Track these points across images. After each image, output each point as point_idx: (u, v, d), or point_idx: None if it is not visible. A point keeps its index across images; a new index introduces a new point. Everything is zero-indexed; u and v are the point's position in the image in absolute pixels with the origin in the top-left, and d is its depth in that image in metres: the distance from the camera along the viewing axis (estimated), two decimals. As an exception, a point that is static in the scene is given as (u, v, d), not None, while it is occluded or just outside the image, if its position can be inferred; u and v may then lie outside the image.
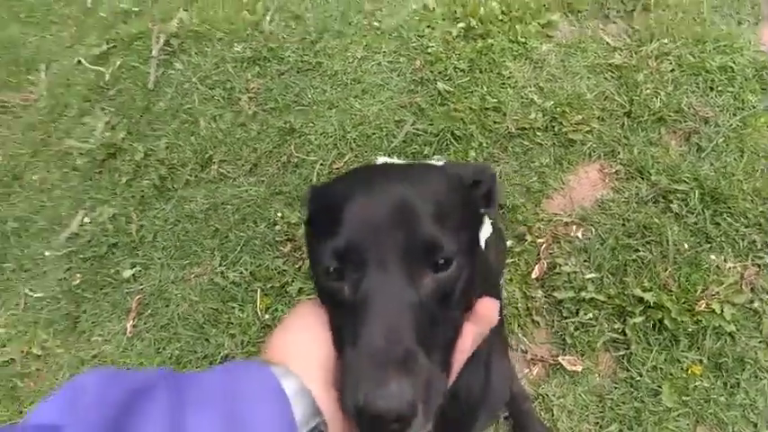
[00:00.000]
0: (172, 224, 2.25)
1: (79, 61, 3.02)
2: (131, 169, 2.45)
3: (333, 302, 0.60)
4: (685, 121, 1.86)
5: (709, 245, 1.63)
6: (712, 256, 1.61)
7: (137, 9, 3.15)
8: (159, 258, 2.19)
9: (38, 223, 2.49)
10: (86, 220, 2.41)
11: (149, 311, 2.07)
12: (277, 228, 2.08)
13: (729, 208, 1.66)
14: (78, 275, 2.24)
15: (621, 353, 1.54)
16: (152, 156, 2.47)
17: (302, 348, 0.56)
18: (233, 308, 1.97)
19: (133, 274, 2.18)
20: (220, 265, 2.08)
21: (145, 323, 2.05)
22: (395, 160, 1.15)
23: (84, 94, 2.85)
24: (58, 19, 3.34)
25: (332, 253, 0.59)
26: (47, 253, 2.32)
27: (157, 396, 0.46)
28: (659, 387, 1.46)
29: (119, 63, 2.89)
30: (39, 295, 2.26)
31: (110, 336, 2.07)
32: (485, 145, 2.00)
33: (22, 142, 2.85)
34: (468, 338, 0.62)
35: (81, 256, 2.28)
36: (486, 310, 0.65)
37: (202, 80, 2.62)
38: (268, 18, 2.73)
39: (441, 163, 0.87)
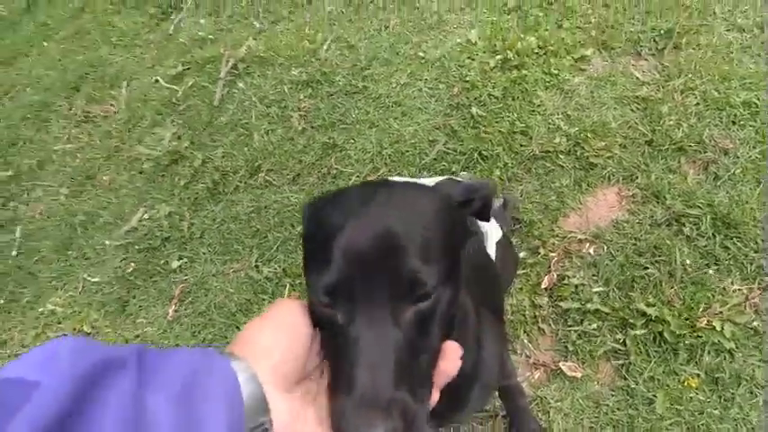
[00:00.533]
0: (219, 223, 2.46)
1: (156, 80, 3.37)
2: (190, 174, 2.70)
3: (326, 324, 0.64)
4: (705, 152, 1.92)
5: (716, 267, 1.67)
6: (718, 278, 1.64)
7: (212, 36, 3.49)
8: (204, 253, 2.39)
9: (103, 218, 2.76)
10: (146, 216, 2.66)
11: (190, 299, 2.26)
12: (311, 230, 2.24)
13: (740, 234, 1.70)
14: (132, 264, 2.47)
15: (621, 362, 1.59)
16: (209, 163, 2.71)
17: (266, 347, 0.59)
18: (263, 299, 2.13)
19: (180, 266, 2.38)
20: (257, 262, 2.26)
21: (185, 309, 2.24)
22: (396, 179, 1.25)
23: (157, 108, 3.17)
24: (143, 43, 3.73)
25: (323, 289, 0.62)
26: (107, 242, 2.57)
27: (125, 372, 0.47)
28: (654, 396, 1.50)
29: (191, 83, 3.20)
30: (95, 280, 2.50)
31: (153, 319, 2.26)
32: (509, 165, 2.11)
33: (99, 148, 3.18)
34: (453, 360, 0.66)
35: (137, 247, 2.52)
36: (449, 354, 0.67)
37: (261, 99, 2.87)
38: (325, 47, 2.98)
39: (432, 183, 0.95)
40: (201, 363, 0.53)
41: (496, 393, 1.50)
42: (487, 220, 0.82)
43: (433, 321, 0.64)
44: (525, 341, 1.73)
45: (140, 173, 2.88)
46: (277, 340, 0.60)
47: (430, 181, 1.44)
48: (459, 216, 0.75)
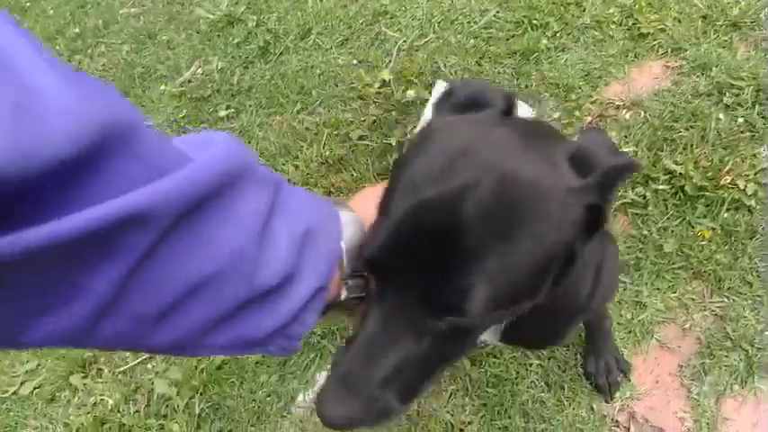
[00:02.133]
0: (267, 80, 2.55)
1: (219, -53, 3.40)
2: (243, 35, 2.78)
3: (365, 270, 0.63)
4: (760, 29, 1.86)
5: (751, 133, 1.65)
6: (751, 145, 1.63)
7: None
8: (250, 105, 2.49)
9: (160, 71, 2.89)
10: (199, 71, 2.78)
11: (234, 143, 2.37)
12: (353, 86, 2.30)
13: (782, 105, 1.66)
14: (184, 111, 2.60)
15: (638, 212, 1.61)
16: (262, 26, 2.78)
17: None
18: (302, 146, 2.22)
19: (227, 115, 2.50)
20: (299, 114, 2.34)
21: (228, 151, 2.36)
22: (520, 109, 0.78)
23: (217, -24, 3.22)
24: None
25: (367, 257, 0.58)
26: (162, 87, 2.70)
27: (264, 191, 0.50)
28: (666, 242, 1.53)
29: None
30: (148, 124, 2.64)
31: (198, 159, 2.40)
32: (558, 35, 2.09)
33: (161, 13, 3.28)
34: None
35: (189, 96, 2.64)
36: None
37: (318, -32, 2.89)
38: None
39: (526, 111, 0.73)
40: (326, 209, 0.59)
41: None
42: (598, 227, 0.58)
43: (460, 341, 0.59)
44: (547, 193, 1.76)
45: (197, 33, 2.97)
46: (361, 213, 0.65)
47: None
48: (576, 217, 0.54)
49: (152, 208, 0.38)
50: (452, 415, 1.51)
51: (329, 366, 0.64)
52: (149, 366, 1.79)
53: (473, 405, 1.50)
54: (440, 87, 1.94)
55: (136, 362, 1.81)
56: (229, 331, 0.49)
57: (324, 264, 0.55)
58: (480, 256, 0.50)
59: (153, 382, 1.76)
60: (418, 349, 0.57)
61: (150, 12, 3.33)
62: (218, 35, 2.89)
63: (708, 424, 1.33)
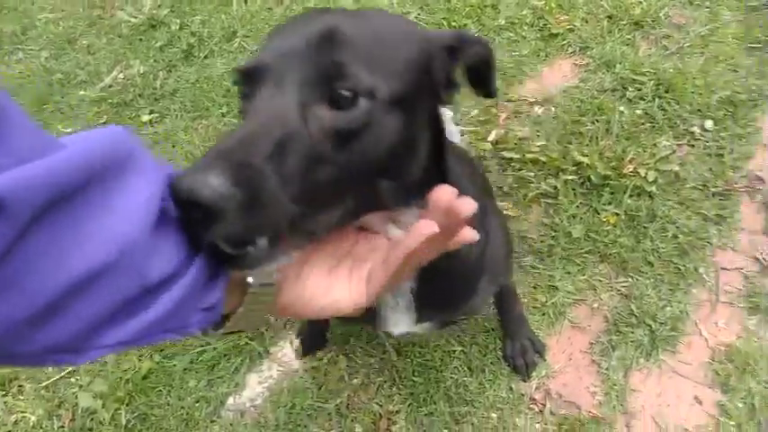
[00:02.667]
0: (191, 84, 2.52)
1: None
2: (167, 38, 2.74)
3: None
4: (660, 28, 1.99)
5: (651, 125, 1.77)
6: (652, 135, 1.74)
7: None
8: (175, 110, 2.46)
9: (80, 77, 2.80)
10: (120, 75, 2.72)
11: (158, 148, 2.34)
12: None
13: (678, 98, 1.79)
14: (105, 116, 2.54)
15: (549, 202, 1.70)
16: (186, 29, 2.75)
17: None
18: (228, 148, 2.22)
19: (150, 120, 2.46)
20: (224, 116, 2.33)
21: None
22: None
23: (140, -22, 3.16)
24: None
25: (236, 72, 0.56)
26: (81, 93, 2.63)
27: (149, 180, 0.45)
28: (574, 228, 1.62)
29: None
30: (69, 131, 2.57)
31: (122, 165, 2.35)
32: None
33: (82, 17, 3.19)
34: (416, 237, 0.52)
35: (110, 101, 2.58)
36: (440, 195, 0.51)
37: (242, -29, 2.88)
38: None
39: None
40: None
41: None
42: (490, 90, 0.70)
43: (354, 146, 0.52)
44: (467, 187, 1.83)
45: (119, 37, 2.91)
46: None
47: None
48: (442, 59, 0.62)
49: (4, 198, 0.34)
50: (381, 406, 1.54)
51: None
52: (73, 380, 1.74)
53: (400, 394, 1.54)
54: None
55: (58, 376, 1.75)
56: (133, 323, 0.45)
57: None
58: (356, 48, 0.53)
59: (77, 396, 1.71)
60: (302, 133, 0.50)
61: (70, 17, 3.23)
62: (141, 39, 2.84)
63: (617, 396, 1.42)
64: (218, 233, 0.44)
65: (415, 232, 0.52)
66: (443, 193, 0.51)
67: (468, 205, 0.50)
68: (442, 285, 0.79)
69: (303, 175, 0.49)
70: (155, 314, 0.46)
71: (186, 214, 0.45)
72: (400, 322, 0.87)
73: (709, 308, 1.48)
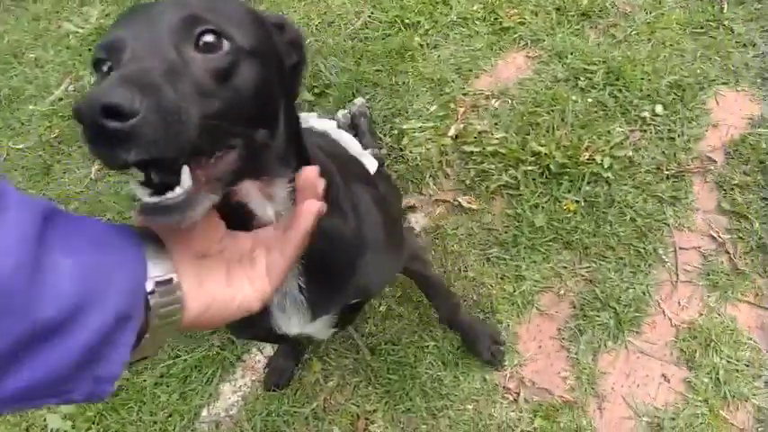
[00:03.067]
0: (145, 93, 2.47)
1: (83, -41, 3.25)
2: (117, 48, 2.68)
3: None
4: (607, 17, 2.04)
5: (604, 112, 1.81)
6: (605, 123, 1.79)
7: None
8: (130, 120, 2.40)
9: (28, 91, 2.72)
10: (71, 88, 2.65)
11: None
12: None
13: (628, 85, 1.84)
14: (57, 130, 2.47)
15: (511, 193, 1.73)
16: (137, 38, 2.69)
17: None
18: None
19: (105, 132, 2.40)
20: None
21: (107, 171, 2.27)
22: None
23: (84, -13, 3.08)
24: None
25: (99, 48, 0.57)
26: (31, 107, 2.55)
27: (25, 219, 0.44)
28: (536, 218, 1.65)
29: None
30: (20, 147, 2.49)
31: (76, 180, 2.29)
32: (430, 33, 2.19)
33: (27, 30, 3.09)
34: (307, 217, 0.60)
35: (61, 114, 2.51)
36: (308, 173, 0.62)
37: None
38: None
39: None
40: (112, 238, 0.51)
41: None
42: (304, 64, 0.74)
43: (230, 78, 0.57)
44: (431, 184, 1.84)
45: (67, 48, 2.83)
46: None
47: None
48: (272, 34, 0.69)
49: None
50: (358, 406, 1.55)
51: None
52: (39, 401, 1.69)
53: (376, 393, 1.55)
54: (357, 101, 1.96)
55: (23, 399, 1.70)
56: (15, 378, 0.43)
57: (119, 293, 0.48)
58: (206, 9, 0.58)
59: (45, 419, 1.67)
60: (185, 67, 0.53)
61: (14, 29, 3.13)
62: (89, 49, 2.76)
63: (588, 380, 1.45)
64: (138, 147, 0.45)
65: (305, 213, 0.59)
66: (311, 171, 0.61)
67: (320, 181, 0.61)
68: (325, 269, 0.84)
69: (196, 100, 0.51)
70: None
71: (96, 136, 0.45)
72: (292, 321, 0.89)
73: (670, 287, 1.53)
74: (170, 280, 0.52)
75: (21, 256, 0.42)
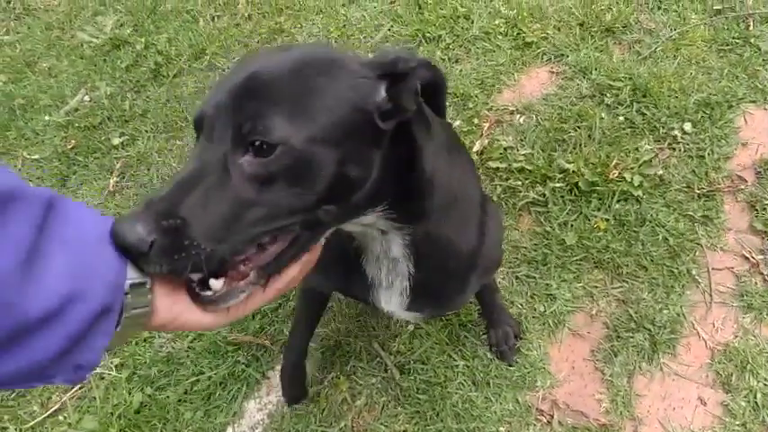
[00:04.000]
0: (162, 103, 2.46)
1: (98, -31, 3.24)
2: (132, 58, 2.66)
3: None
4: (631, 33, 2.04)
5: (632, 129, 1.80)
6: (633, 140, 1.78)
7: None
8: (147, 131, 2.39)
9: (43, 101, 2.70)
10: (86, 98, 2.63)
11: (132, 172, 2.27)
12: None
13: (655, 102, 1.83)
14: (73, 141, 2.45)
15: (539, 210, 1.71)
16: (152, 48, 2.68)
17: None
18: (206, 170, 2.17)
19: (122, 143, 2.38)
20: (200, 137, 2.28)
21: (126, 181, 2.25)
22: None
23: (99, -2, 3.07)
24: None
25: (194, 117, 0.66)
26: (46, 117, 2.53)
27: (30, 209, 0.48)
28: (566, 236, 1.63)
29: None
30: (35, 157, 2.47)
31: (94, 192, 2.27)
32: (451, 47, 2.18)
33: (40, 39, 3.08)
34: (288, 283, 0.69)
35: (77, 125, 2.49)
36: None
37: (207, -14, 2.83)
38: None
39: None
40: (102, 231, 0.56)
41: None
42: (441, 111, 0.73)
43: (278, 181, 0.59)
44: (455, 199, 1.83)
45: (81, 58, 2.82)
46: None
47: None
48: (376, 88, 0.65)
49: None
50: (387, 426, 1.52)
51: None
52: (61, 418, 1.66)
53: (406, 413, 1.52)
54: None
55: (45, 414, 1.67)
56: (7, 363, 0.47)
57: (104, 285, 0.52)
58: (272, 98, 0.60)
59: (67, 435, 1.64)
60: (225, 182, 0.58)
61: (27, 39, 3.11)
62: (105, 59, 2.75)
63: (623, 402, 1.43)
64: (151, 269, 0.55)
65: (288, 276, 0.67)
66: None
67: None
68: (436, 279, 0.88)
69: (228, 219, 0.58)
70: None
71: (124, 253, 0.54)
72: (392, 301, 0.94)
73: (704, 309, 1.52)
74: (144, 283, 0.56)
75: (19, 253, 0.46)
